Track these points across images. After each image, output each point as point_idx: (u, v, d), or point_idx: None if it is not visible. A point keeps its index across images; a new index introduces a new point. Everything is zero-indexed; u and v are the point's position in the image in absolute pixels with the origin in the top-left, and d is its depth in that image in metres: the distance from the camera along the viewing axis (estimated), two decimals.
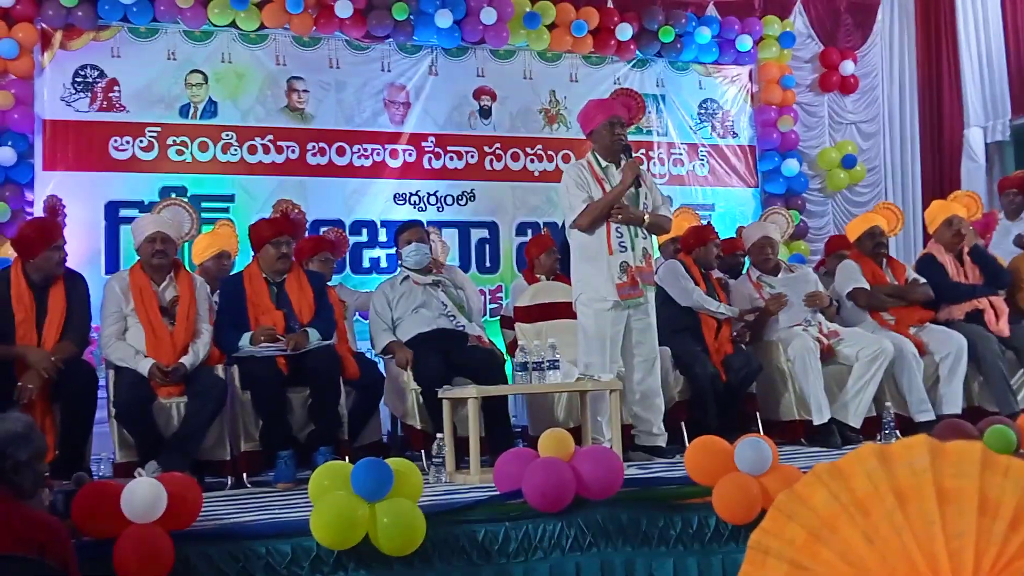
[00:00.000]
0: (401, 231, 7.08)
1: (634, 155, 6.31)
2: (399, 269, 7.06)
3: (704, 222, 8.35)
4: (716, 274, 7.62)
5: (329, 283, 7.21)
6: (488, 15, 9.49)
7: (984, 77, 10.40)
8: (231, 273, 7.07)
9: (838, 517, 1.40)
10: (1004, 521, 1.31)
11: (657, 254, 7.76)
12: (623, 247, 6.14)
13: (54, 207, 6.71)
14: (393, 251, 8.57)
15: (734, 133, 10.70)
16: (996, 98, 10.28)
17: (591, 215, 6.15)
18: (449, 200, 9.60)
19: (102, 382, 6.08)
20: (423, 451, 6.36)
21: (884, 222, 7.73)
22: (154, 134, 8.84)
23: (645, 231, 6.25)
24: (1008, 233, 8.31)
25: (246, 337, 6.13)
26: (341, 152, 9.33)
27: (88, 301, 6.06)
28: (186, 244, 7.60)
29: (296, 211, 7.30)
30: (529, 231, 9.46)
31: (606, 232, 6.14)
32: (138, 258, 6.15)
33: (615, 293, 6.10)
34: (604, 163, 6.31)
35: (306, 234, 7.76)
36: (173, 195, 8.63)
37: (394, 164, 9.49)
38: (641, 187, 6.24)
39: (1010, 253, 7.93)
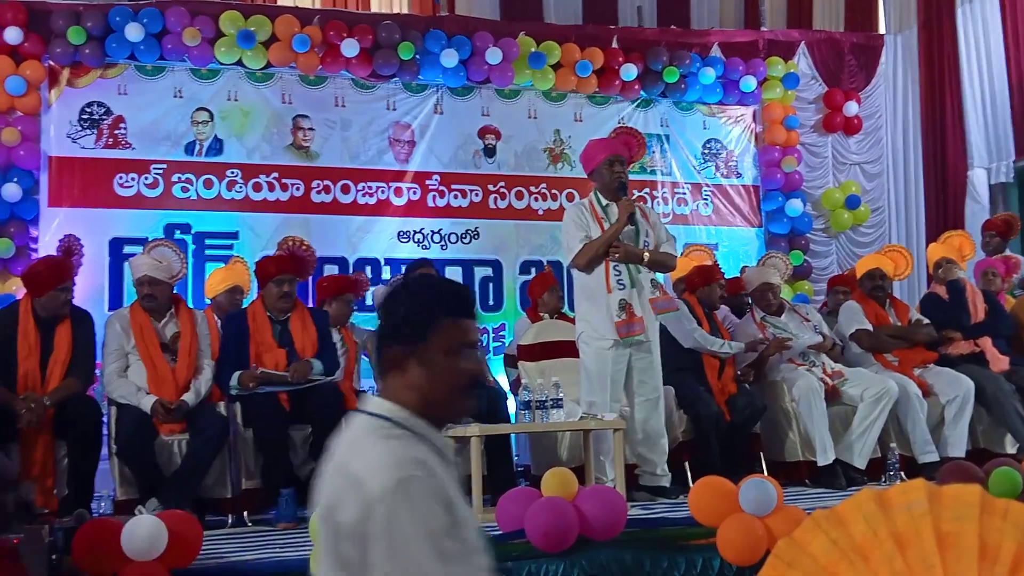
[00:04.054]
0: (412, 270, 7.07)
1: (630, 193, 6.31)
2: None
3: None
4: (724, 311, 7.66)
5: (346, 324, 7.26)
6: (493, 55, 9.53)
7: (988, 119, 10.41)
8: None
9: (838, 563, 1.39)
10: (1005, 566, 1.29)
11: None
12: (621, 285, 6.13)
13: (70, 247, 6.74)
14: None
15: (738, 173, 10.72)
16: (1000, 140, 10.29)
17: (587, 254, 6.16)
18: (453, 238, 9.61)
19: (104, 419, 6.08)
20: None
21: (890, 265, 7.72)
22: (159, 171, 8.86)
23: (647, 268, 6.25)
24: None
25: (235, 377, 6.13)
26: (346, 190, 9.35)
27: (94, 338, 6.11)
28: (188, 279, 7.62)
29: (304, 247, 7.30)
30: (533, 270, 9.45)
31: (604, 270, 6.14)
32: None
33: (614, 331, 6.08)
34: (605, 202, 6.31)
35: (313, 271, 7.75)
36: (177, 232, 8.68)
37: (398, 202, 9.50)
38: (642, 224, 6.24)
39: None
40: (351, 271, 8.91)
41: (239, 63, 9.05)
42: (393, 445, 2.14)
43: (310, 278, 7.64)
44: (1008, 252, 8.75)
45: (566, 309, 7.78)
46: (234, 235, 8.98)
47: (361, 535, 2.04)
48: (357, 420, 2.27)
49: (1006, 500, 1.36)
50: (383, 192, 9.46)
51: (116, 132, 8.78)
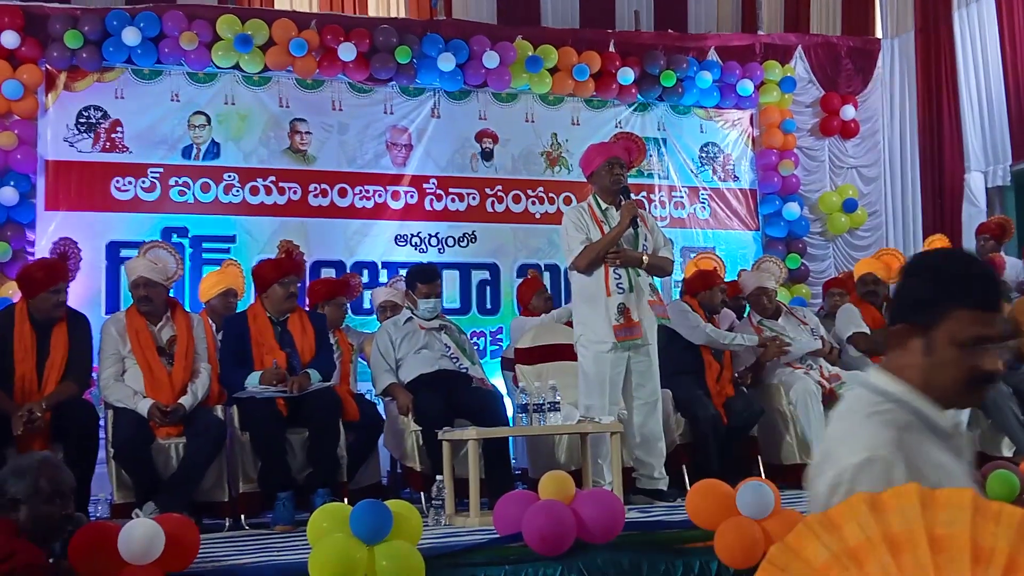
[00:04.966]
0: (423, 280, 6.92)
1: (632, 197, 6.33)
2: (404, 310, 7.05)
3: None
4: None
5: (340, 327, 7.26)
6: (491, 59, 9.53)
7: (985, 122, 10.42)
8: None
9: (831, 568, 1.39)
10: (998, 568, 1.30)
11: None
12: (621, 288, 6.14)
13: (65, 252, 6.73)
14: None
15: (735, 176, 10.73)
16: (996, 143, 10.29)
17: (588, 256, 6.16)
18: (450, 242, 9.61)
19: (101, 422, 6.07)
20: (423, 493, 6.34)
21: (883, 269, 7.72)
22: (156, 175, 8.86)
23: (645, 272, 6.25)
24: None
25: (254, 376, 6.11)
26: (343, 194, 9.35)
27: (90, 341, 6.09)
28: (184, 282, 7.61)
29: (297, 251, 7.31)
30: (530, 273, 9.45)
31: (604, 274, 6.15)
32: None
33: (613, 335, 6.09)
34: (604, 205, 6.32)
35: (306, 275, 7.75)
36: (174, 236, 8.67)
37: (396, 206, 9.50)
38: (640, 229, 6.25)
39: None
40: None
41: (236, 67, 9.06)
42: (876, 422, 2.06)
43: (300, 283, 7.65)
44: (1003, 254, 8.76)
45: None
46: (231, 239, 8.98)
47: (826, 504, 2.00)
48: (855, 391, 2.20)
49: (999, 503, 1.37)
50: (380, 196, 9.46)
51: (113, 136, 8.78)
